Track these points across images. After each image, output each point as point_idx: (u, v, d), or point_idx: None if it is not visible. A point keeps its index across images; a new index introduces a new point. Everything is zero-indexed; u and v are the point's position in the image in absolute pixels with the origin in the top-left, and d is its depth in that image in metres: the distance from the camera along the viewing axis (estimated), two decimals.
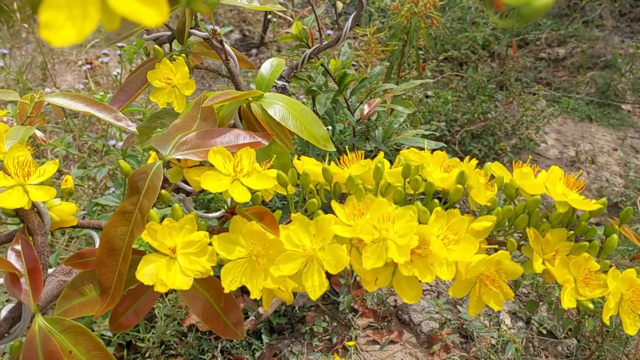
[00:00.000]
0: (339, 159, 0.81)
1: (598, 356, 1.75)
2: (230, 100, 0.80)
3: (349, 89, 1.69)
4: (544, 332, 1.97)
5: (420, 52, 2.53)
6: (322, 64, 1.59)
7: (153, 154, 0.75)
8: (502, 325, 1.86)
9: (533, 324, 1.98)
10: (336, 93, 1.60)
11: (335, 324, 2.03)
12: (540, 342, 1.94)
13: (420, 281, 0.71)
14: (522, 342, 1.80)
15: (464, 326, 1.95)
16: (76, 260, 0.72)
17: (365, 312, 2.06)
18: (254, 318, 1.87)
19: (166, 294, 1.87)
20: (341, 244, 0.69)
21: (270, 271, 0.68)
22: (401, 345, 1.93)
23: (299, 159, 0.81)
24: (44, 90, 2.84)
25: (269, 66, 0.93)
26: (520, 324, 2.00)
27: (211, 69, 1.04)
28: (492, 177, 0.79)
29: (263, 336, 1.91)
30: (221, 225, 0.76)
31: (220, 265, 0.71)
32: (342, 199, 0.78)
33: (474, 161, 0.75)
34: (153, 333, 1.77)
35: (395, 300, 2.11)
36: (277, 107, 0.82)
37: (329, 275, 0.78)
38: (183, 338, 1.83)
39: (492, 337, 1.90)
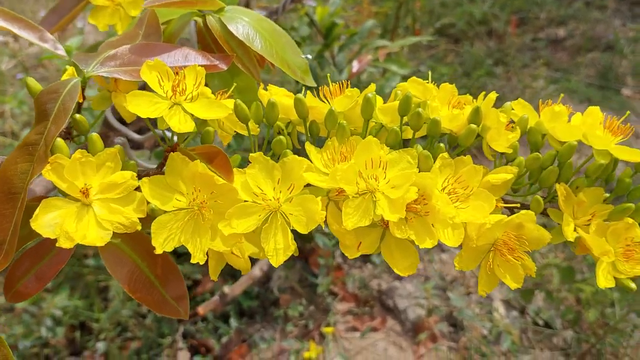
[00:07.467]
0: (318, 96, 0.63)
1: (598, 349, 1.60)
2: (178, 7, 0.61)
3: (337, 45, 1.51)
4: (540, 322, 1.82)
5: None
6: (307, 13, 1.41)
7: (70, 69, 0.56)
8: (495, 314, 1.70)
9: (528, 314, 1.83)
10: (322, 47, 1.42)
11: (312, 308, 1.86)
12: (535, 333, 1.79)
13: (417, 247, 0.54)
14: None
15: (454, 314, 1.79)
16: None
17: (346, 296, 1.89)
18: (218, 298, 1.66)
19: None
20: (316, 197, 0.52)
21: (220, 228, 0.51)
22: (384, 333, 1.77)
23: (265, 89, 0.63)
24: None
25: None
26: (515, 313, 1.84)
27: None
28: (512, 121, 0.62)
29: (231, 319, 1.73)
30: (159, 169, 0.59)
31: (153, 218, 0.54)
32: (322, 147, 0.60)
33: (493, 95, 0.58)
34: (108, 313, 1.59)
35: (379, 284, 1.94)
36: (241, 23, 0.64)
37: (305, 253, 0.62)
38: (142, 319, 1.65)
39: (484, 326, 1.75)
